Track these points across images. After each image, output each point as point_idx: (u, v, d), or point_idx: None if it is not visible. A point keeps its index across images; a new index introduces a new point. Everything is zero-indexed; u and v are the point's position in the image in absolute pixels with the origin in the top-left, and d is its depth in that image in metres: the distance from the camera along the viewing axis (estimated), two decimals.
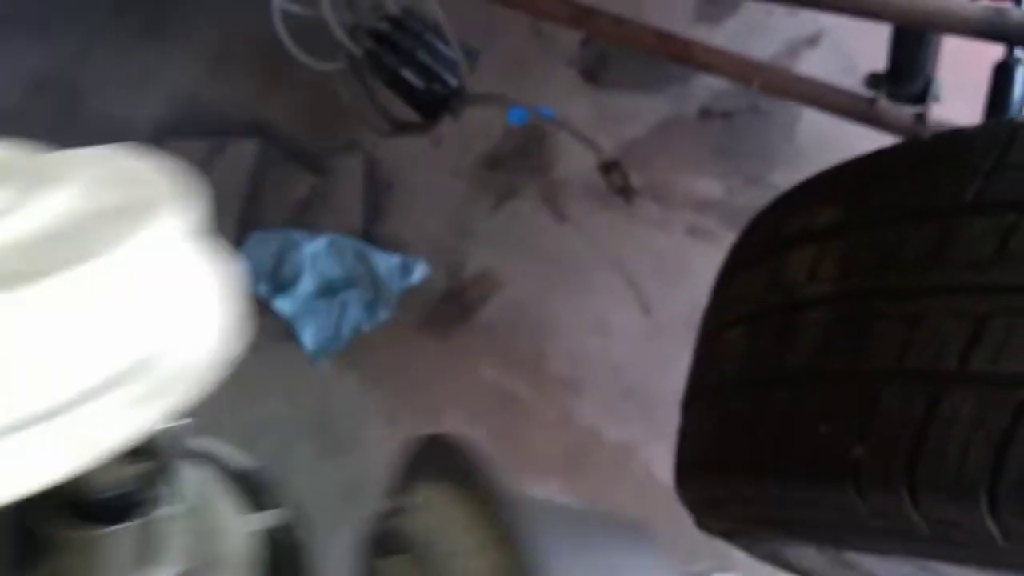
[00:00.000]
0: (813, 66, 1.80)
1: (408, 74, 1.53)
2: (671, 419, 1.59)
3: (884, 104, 1.30)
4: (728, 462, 0.80)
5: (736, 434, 0.79)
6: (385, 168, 1.89)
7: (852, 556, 0.87)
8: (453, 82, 1.54)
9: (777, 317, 0.79)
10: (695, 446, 0.90)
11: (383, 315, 1.74)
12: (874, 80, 1.33)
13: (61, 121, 2.18)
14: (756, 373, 0.80)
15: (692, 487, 0.92)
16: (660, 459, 1.55)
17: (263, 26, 2.10)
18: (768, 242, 0.88)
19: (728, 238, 1.70)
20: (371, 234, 1.84)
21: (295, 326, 1.75)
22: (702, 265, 1.69)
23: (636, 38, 1.28)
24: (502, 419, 1.62)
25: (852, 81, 1.78)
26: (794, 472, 0.71)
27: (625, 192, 1.52)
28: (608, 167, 1.51)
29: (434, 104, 1.55)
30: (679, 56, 1.27)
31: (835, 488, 0.67)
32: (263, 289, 1.78)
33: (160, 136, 2.08)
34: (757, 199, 1.73)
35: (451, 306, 1.75)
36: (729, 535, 0.96)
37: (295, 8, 1.50)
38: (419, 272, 1.77)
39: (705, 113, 1.83)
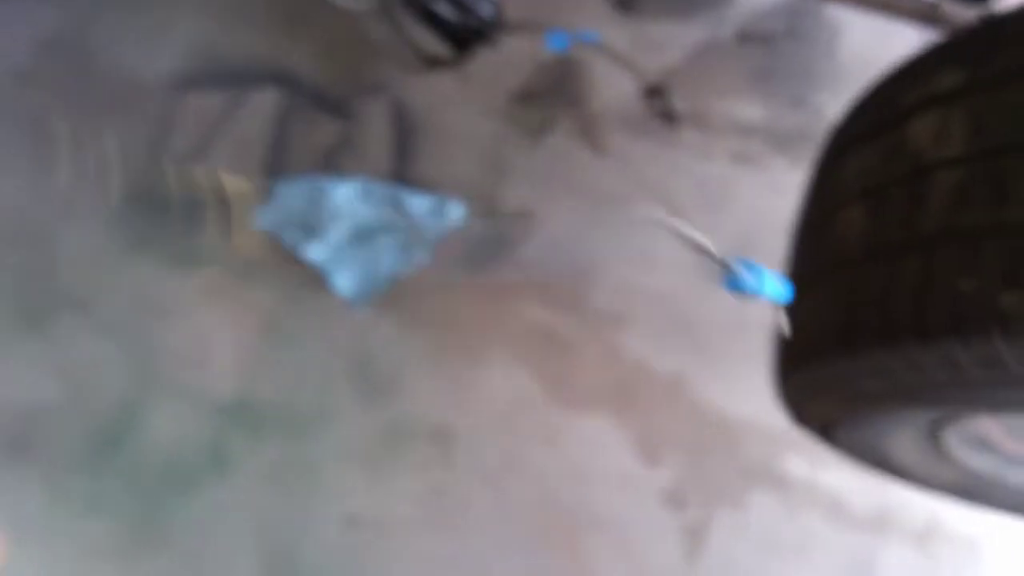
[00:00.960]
0: None
1: (441, 7, 1.49)
2: (719, 347, 1.56)
3: (948, 5, 1.26)
4: (856, 336, 0.78)
5: (866, 307, 0.77)
6: (413, 109, 1.85)
7: (950, 448, 0.85)
8: (487, 12, 1.50)
9: (903, 185, 0.77)
10: (809, 332, 0.88)
11: (420, 258, 1.71)
12: None
13: (74, 82, 2.15)
14: (883, 244, 0.80)
15: (800, 378, 0.90)
16: (710, 387, 1.52)
17: None
18: (883, 115, 0.87)
19: (774, 162, 1.67)
20: (402, 177, 1.81)
21: (329, 273, 1.71)
22: (748, 191, 1.66)
23: None
24: (547, 357, 1.59)
25: None
26: (936, 330, 0.70)
27: (669, 117, 1.48)
28: (652, 92, 1.47)
29: (469, 36, 1.51)
30: None
31: (982, 339, 0.66)
32: (294, 237, 1.75)
33: (179, 89, 2.05)
34: (802, 121, 1.69)
35: (490, 245, 1.72)
36: (829, 428, 0.95)
37: None
38: (454, 212, 1.73)
39: (743, 37, 1.78)
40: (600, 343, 1.58)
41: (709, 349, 1.53)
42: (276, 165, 1.88)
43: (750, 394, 1.49)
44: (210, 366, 1.72)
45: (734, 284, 1.43)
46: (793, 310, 0.92)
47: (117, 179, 1.97)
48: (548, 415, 1.54)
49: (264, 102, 1.96)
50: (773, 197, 1.63)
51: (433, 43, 1.59)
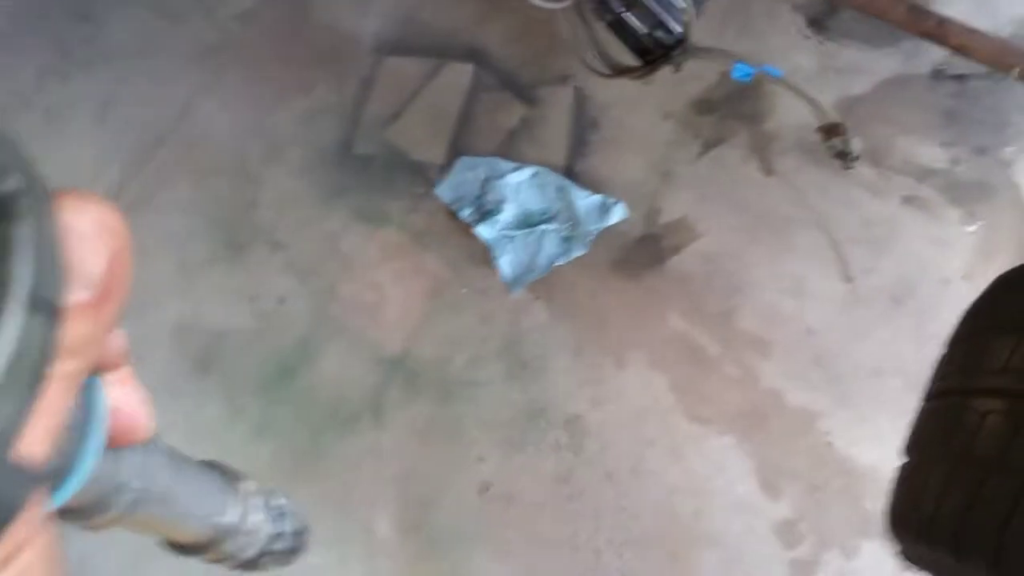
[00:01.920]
0: None
1: (632, 18, 1.54)
2: (859, 391, 1.59)
3: None
4: (968, 545, 0.78)
5: (985, 517, 0.76)
6: (594, 104, 1.92)
7: None
8: (677, 29, 1.53)
9: None
10: (922, 507, 0.87)
11: (578, 251, 1.80)
12: None
13: (291, 29, 2.32)
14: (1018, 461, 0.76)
15: (905, 544, 0.91)
16: (841, 430, 1.56)
17: None
18: None
19: (947, 211, 1.65)
20: (573, 169, 1.89)
21: (494, 252, 1.84)
22: (913, 237, 1.65)
23: (886, 9, 1.23)
24: (685, 368, 1.66)
25: None
26: None
27: (844, 157, 1.49)
28: (829, 130, 1.48)
29: (656, 51, 1.55)
30: (931, 34, 1.22)
31: None
32: (469, 213, 1.87)
33: (381, 52, 2.19)
34: (983, 173, 1.66)
35: (645, 249, 1.79)
36: None
37: None
38: (618, 213, 1.81)
39: (938, 74, 1.74)
40: (739, 365, 1.64)
41: (846, 391, 1.57)
42: (461, 138, 2.00)
43: (878, 443, 1.52)
44: (380, 319, 1.90)
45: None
46: (914, 466, 0.93)
47: (322, 130, 2.15)
48: (678, 425, 1.63)
49: (458, 75, 2.07)
50: (937, 249, 1.62)
51: (620, 50, 1.64)
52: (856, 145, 1.50)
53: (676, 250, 1.77)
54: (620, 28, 1.58)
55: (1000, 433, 0.78)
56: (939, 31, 1.22)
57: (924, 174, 1.67)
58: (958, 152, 1.67)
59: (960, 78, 1.72)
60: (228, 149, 2.23)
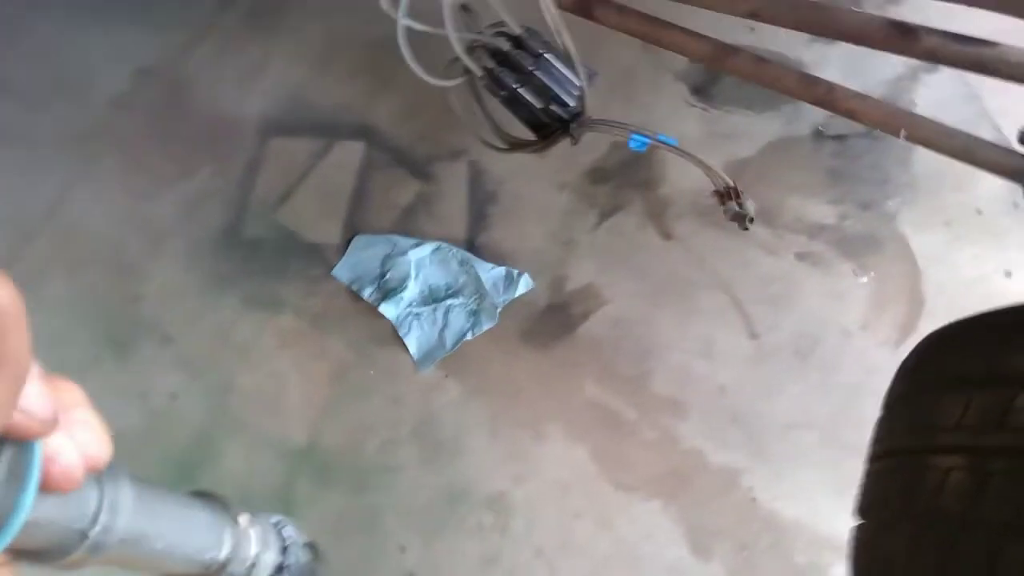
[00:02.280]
0: (933, 91, 1.79)
1: (527, 94, 1.56)
2: (776, 446, 1.61)
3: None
4: None
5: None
6: (490, 178, 1.92)
7: None
8: (570, 103, 1.56)
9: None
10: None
11: (487, 324, 1.78)
12: None
13: (169, 113, 2.25)
14: (987, 520, 0.75)
15: None
16: (763, 485, 1.57)
17: (371, 28, 2.14)
18: (996, 368, 0.84)
19: (839, 265, 1.72)
20: (475, 242, 1.88)
21: (400, 331, 1.79)
22: (810, 292, 1.71)
23: (777, 79, 1.28)
24: (605, 436, 1.65)
25: (974, 109, 1.77)
26: None
27: (741, 220, 1.53)
28: (724, 194, 1.52)
29: (552, 124, 1.57)
30: (821, 101, 1.28)
31: None
32: (370, 293, 1.83)
33: (267, 133, 2.14)
34: (871, 227, 1.74)
35: (554, 319, 1.78)
36: None
37: (417, 24, 1.53)
38: (524, 284, 1.80)
39: (818, 135, 1.83)
40: (657, 428, 1.64)
41: (763, 446, 1.59)
42: (356, 217, 1.97)
43: (801, 496, 1.54)
44: (283, 409, 1.81)
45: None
46: (873, 529, 0.93)
47: (207, 216, 2.07)
48: (603, 494, 1.61)
49: (349, 153, 2.05)
50: (834, 302, 1.68)
51: (514, 125, 1.65)
52: (750, 207, 1.55)
53: (584, 317, 1.77)
54: (514, 103, 1.59)
55: (965, 490, 0.78)
56: (829, 97, 1.28)
57: (815, 231, 1.74)
58: (845, 208, 1.75)
59: (839, 138, 1.81)
60: (105, 241, 2.11)
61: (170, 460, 1.82)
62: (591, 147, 1.92)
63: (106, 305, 2.04)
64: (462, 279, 1.84)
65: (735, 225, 1.74)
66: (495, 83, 1.57)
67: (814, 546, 1.51)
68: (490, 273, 1.81)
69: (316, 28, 2.24)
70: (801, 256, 1.73)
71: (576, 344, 1.75)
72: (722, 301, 1.72)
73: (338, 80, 2.15)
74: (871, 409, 1.60)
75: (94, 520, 0.43)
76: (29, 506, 0.36)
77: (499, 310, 1.79)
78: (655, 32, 1.31)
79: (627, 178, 1.89)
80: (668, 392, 1.67)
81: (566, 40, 1.39)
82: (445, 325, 1.80)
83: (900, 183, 1.75)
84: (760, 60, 1.30)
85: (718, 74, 1.95)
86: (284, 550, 0.57)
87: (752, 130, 1.86)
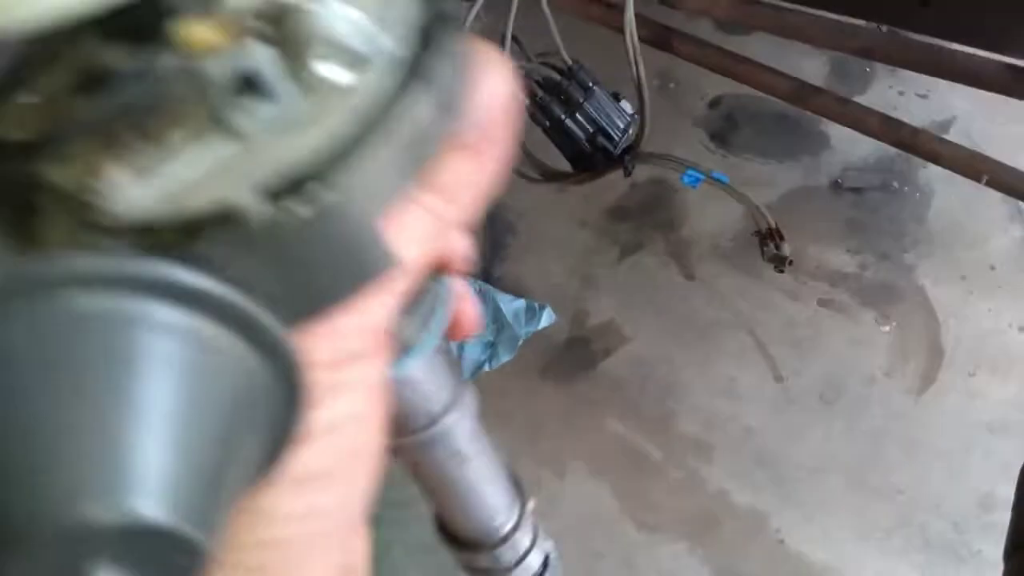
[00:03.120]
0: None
1: (574, 125, 1.56)
2: (803, 489, 1.62)
3: None
4: None
5: None
6: (509, 209, 1.92)
7: None
8: (617, 137, 1.57)
9: None
10: None
11: (505, 356, 1.76)
12: None
13: None
14: None
15: None
16: (790, 528, 1.58)
17: None
18: None
19: (861, 313, 1.76)
20: (492, 274, 1.87)
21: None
22: (833, 338, 1.74)
23: (860, 120, 1.32)
24: (629, 475, 1.64)
25: None
26: None
27: (779, 261, 1.56)
28: (767, 235, 1.55)
29: (596, 157, 1.58)
30: (904, 144, 1.32)
31: None
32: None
33: None
34: (890, 278, 1.79)
35: (574, 354, 1.78)
36: None
37: None
38: (546, 317, 1.79)
39: (836, 186, 1.89)
40: (682, 469, 1.63)
41: (791, 489, 1.60)
42: None
43: (829, 539, 1.55)
44: None
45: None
46: None
47: None
48: (626, 535, 1.59)
49: None
50: (857, 348, 1.71)
51: (549, 154, 1.65)
52: (788, 249, 1.57)
53: (606, 354, 1.77)
54: (559, 134, 1.60)
55: None
56: (912, 141, 1.32)
57: (836, 279, 1.78)
58: (864, 258, 1.80)
59: (857, 190, 1.87)
60: None
61: None
62: (611, 186, 1.93)
63: None
64: (481, 310, 1.81)
65: (757, 268, 1.78)
66: (542, 112, 1.57)
67: None
68: (511, 305, 1.80)
69: None
70: (824, 303, 1.76)
71: (598, 381, 1.74)
72: (746, 343, 1.74)
73: None
74: (896, 455, 1.64)
75: (446, 408, 0.41)
76: (437, 339, 0.34)
77: (519, 343, 1.77)
78: (735, 67, 1.35)
79: (648, 217, 1.91)
80: (693, 432, 1.67)
81: (640, 70, 1.40)
82: (461, 356, 1.78)
83: (917, 237, 1.82)
84: (843, 100, 1.34)
85: (735, 122, 2.00)
86: (545, 562, 0.54)
87: (772, 178, 1.90)
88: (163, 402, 0.23)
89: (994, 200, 1.81)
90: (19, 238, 0.24)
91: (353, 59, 0.24)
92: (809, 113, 1.51)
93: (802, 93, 1.35)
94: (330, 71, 0.24)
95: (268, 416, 0.25)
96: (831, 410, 1.66)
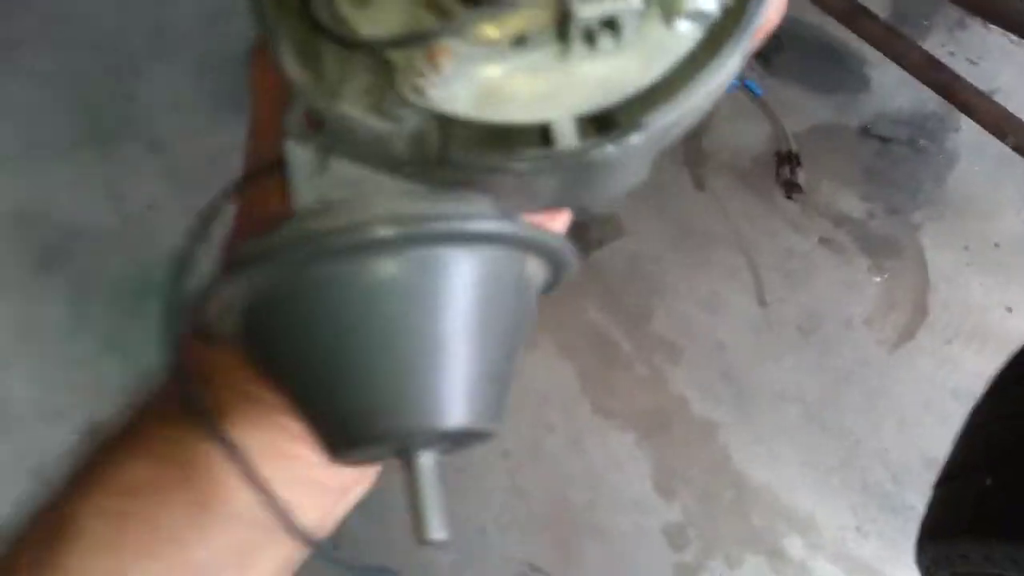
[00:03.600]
0: None
1: None
2: (760, 412, 1.66)
3: None
4: None
5: None
6: None
7: None
8: None
9: None
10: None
11: None
12: None
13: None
14: None
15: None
16: (739, 445, 1.62)
17: None
18: None
19: (858, 259, 1.77)
20: None
21: None
22: (826, 276, 1.76)
23: (903, 53, 1.31)
24: (595, 360, 1.66)
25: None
26: None
27: (790, 186, 1.56)
28: (785, 158, 1.54)
29: None
30: (941, 87, 1.31)
31: None
32: None
33: None
34: (893, 232, 1.80)
35: (570, 238, 1.77)
36: None
37: None
38: None
39: (864, 131, 1.87)
40: (649, 366, 1.66)
41: (748, 409, 1.63)
42: None
43: (774, 465, 1.59)
44: None
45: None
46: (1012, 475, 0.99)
47: (232, 30, 1.96)
48: (581, 415, 1.62)
49: None
50: (845, 291, 1.73)
51: None
52: (802, 177, 1.57)
53: (600, 244, 1.77)
54: None
55: None
56: (951, 86, 1.31)
57: (841, 220, 1.79)
58: (874, 207, 1.80)
59: (884, 140, 1.86)
60: (110, 29, 1.98)
61: (133, 270, 1.74)
62: None
63: (94, 94, 1.92)
64: None
65: (768, 192, 1.78)
66: None
67: (773, 513, 1.57)
68: None
69: None
70: (824, 241, 1.77)
71: (586, 267, 1.75)
72: (739, 262, 1.75)
73: None
74: (856, 399, 1.67)
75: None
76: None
77: None
78: None
79: None
80: (667, 334, 1.69)
81: None
82: None
83: (931, 198, 1.82)
84: (891, 31, 1.32)
85: (782, 44, 1.96)
86: None
87: (803, 108, 1.88)
88: (469, 326, 0.31)
89: (1016, 179, 1.81)
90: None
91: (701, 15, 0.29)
92: (855, 52, 1.49)
93: (853, 12, 1.32)
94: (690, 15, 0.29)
95: (537, 291, 0.35)
96: (805, 342, 1.69)
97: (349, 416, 0.32)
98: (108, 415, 1.41)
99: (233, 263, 0.33)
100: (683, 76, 0.30)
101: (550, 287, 0.36)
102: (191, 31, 1.98)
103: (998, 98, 1.91)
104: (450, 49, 0.27)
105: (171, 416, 0.39)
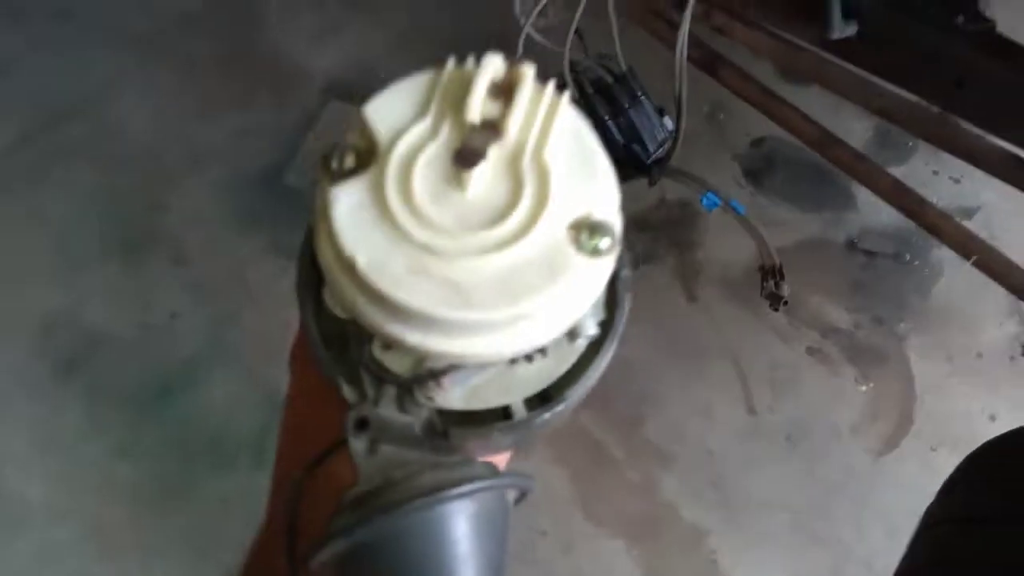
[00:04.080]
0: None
1: (614, 128, 1.66)
2: (748, 518, 1.72)
3: None
4: None
5: None
6: None
7: None
8: (652, 148, 1.66)
9: None
10: None
11: None
12: None
13: (236, 41, 2.30)
14: None
15: None
16: (727, 550, 1.67)
17: (449, 17, 2.24)
18: None
19: (844, 368, 1.85)
20: None
21: None
22: (813, 386, 1.83)
23: (873, 179, 1.41)
24: (588, 466, 1.74)
25: None
26: None
27: (776, 299, 1.65)
28: (769, 271, 1.64)
29: (627, 164, 1.67)
30: (909, 210, 1.41)
31: None
32: None
33: (330, 93, 2.21)
34: (879, 343, 1.88)
35: None
36: None
37: (539, 37, 1.63)
38: None
39: (851, 245, 1.97)
40: (639, 472, 1.73)
41: (736, 516, 1.69)
42: None
43: (762, 572, 1.65)
44: (281, 359, 1.85)
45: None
46: None
47: (254, 151, 2.12)
48: (572, 520, 1.69)
49: None
50: (833, 402, 1.81)
51: None
52: (786, 290, 1.66)
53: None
54: (598, 132, 1.69)
55: None
56: (917, 209, 1.41)
57: (828, 331, 1.87)
58: (860, 318, 1.89)
59: (869, 254, 1.96)
60: (143, 146, 2.15)
61: (152, 377, 1.85)
62: (639, 198, 2.03)
63: (126, 208, 2.07)
64: None
65: (757, 305, 1.86)
66: (586, 108, 1.67)
67: None
68: None
69: (402, 10, 2.32)
70: (811, 351, 1.85)
71: None
72: (728, 372, 1.83)
73: (411, 62, 2.23)
74: (844, 507, 1.73)
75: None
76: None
77: None
78: (771, 105, 1.44)
79: (667, 234, 2.00)
80: (658, 441, 1.77)
81: (683, 87, 1.50)
82: None
83: (915, 310, 1.90)
84: (861, 157, 1.43)
85: (773, 164, 2.08)
86: None
87: (792, 224, 1.99)
88: (473, 540, 0.48)
89: (998, 293, 1.88)
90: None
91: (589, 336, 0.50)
92: (841, 171, 1.60)
93: (825, 141, 1.44)
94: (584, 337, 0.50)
95: (511, 505, 0.52)
96: (794, 451, 1.75)
97: None
98: (112, 517, 1.51)
99: (340, 528, 0.47)
100: (583, 366, 0.51)
101: (519, 500, 0.53)
102: (218, 147, 2.14)
103: (981, 215, 2.02)
104: (449, 376, 0.47)
105: None
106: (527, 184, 0.47)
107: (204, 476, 1.75)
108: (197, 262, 1.99)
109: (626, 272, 0.55)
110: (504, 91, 0.49)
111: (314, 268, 0.50)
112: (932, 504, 1.21)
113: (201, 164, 2.12)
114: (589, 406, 1.93)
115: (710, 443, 1.77)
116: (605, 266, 0.47)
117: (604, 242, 0.47)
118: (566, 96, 0.50)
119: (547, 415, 0.50)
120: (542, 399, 0.51)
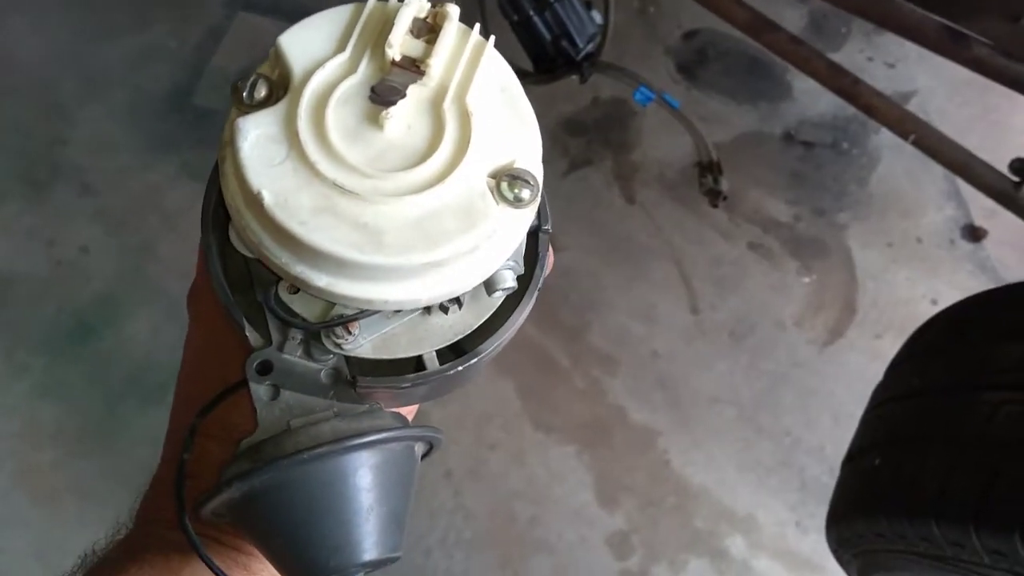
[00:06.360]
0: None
1: (541, 24, 1.66)
2: (696, 417, 1.78)
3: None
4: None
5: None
6: None
7: None
8: (581, 44, 1.67)
9: None
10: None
11: None
12: (1020, 165, 1.42)
13: None
14: None
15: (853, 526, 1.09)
16: (678, 451, 1.73)
17: None
18: None
19: (786, 261, 1.90)
20: None
21: None
22: (756, 281, 1.88)
23: (807, 61, 1.44)
24: (535, 376, 1.77)
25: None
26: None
27: (714, 195, 1.68)
28: (708, 168, 1.67)
29: (558, 61, 1.67)
30: (845, 91, 1.44)
31: None
32: None
33: (235, 6, 2.16)
34: (820, 233, 1.93)
35: None
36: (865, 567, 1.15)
37: None
38: None
39: (788, 137, 2.01)
40: (587, 378, 1.77)
41: (685, 415, 1.75)
42: None
43: (713, 466, 1.71)
44: None
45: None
46: (898, 456, 1.09)
47: (156, 74, 2.07)
48: (521, 431, 1.72)
49: None
50: (775, 294, 1.86)
51: (518, 56, 1.74)
52: (725, 185, 1.70)
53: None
54: (525, 30, 1.69)
55: (1018, 419, 0.95)
56: (853, 90, 1.44)
57: (769, 225, 1.92)
58: (800, 211, 1.94)
59: (808, 145, 2.00)
60: (37, 75, 2.09)
61: (68, 314, 1.83)
62: (572, 98, 2.04)
63: (26, 140, 2.01)
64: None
65: (696, 203, 1.90)
66: (511, 5, 1.66)
67: (715, 515, 1.68)
68: None
69: None
70: (753, 246, 1.90)
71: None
72: (671, 272, 1.88)
73: None
74: (790, 399, 1.80)
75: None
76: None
77: None
78: None
79: (602, 136, 2.02)
80: (603, 347, 1.81)
81: None
82: None
83: (854, 199, 1.96)
84: (796, 40, 1.45)
85: (706, 57, 2.11)
86: None
87: (728, 118, 2.02)
88: (377, 492, 0.48)
89: (936, 177, 1.96)
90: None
91: (507, 289, 0.51)
92: (777, 61, 1.62)
93: (758, 26, 1.46)
94: (501, 290, 0.50)
95: (418, 458, 0.53)
96: (738, 347, 1.81)
97: (308, 561, 0.48)
98: (39, 460, 1.51)
99: (232, 476, 0.47)
100: (500, 320, 0.51)
101: (427, 453, 0.54)
102: (118, 72, 2.08)
103: (917, 99, 2.07)
104: (358, 323, 0.48)
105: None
106: (448, 128, 0.48)
107: (131, 414, 1.74)
108: (105, 193, 1.95)
109: (547, 227, 0.55)
110: (428, 30, 0.50)
111: (220, 203, 0.50)
112: (879, 384, 1.27)
113: (100, 91, 2.06)
114: (532, 317, 1.95)
115: (655, 344, 1.81)
116: (525, 217, 0.48)
117: (525, 192, 0.48)
118: (491, 41, 0.51)
119: (460, 368, 0.50)
120: (456, 351, 0.51)
